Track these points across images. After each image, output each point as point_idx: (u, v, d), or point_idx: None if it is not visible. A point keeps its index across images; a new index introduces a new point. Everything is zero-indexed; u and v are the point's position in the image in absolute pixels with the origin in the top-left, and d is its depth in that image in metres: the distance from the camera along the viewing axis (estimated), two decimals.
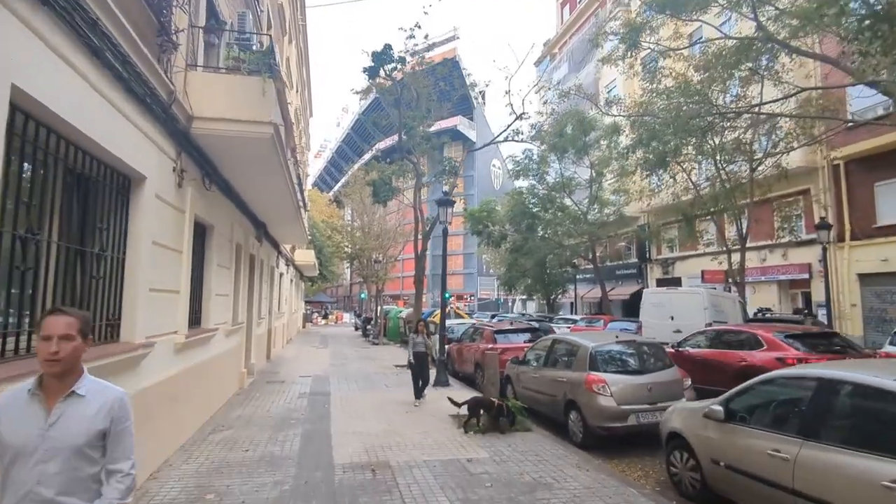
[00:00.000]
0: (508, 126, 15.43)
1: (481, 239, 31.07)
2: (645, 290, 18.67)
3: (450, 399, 8.60)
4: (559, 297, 33.34)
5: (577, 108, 24.32)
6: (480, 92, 20.30)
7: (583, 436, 7.36)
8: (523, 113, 15.55)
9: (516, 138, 15.94)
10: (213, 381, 8.73)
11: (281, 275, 20.84)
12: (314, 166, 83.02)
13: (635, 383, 7.34)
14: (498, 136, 15.69)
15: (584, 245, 26.25)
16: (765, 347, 9.11)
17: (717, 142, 16.60)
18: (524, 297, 40.79)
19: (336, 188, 69.63)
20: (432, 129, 16.04)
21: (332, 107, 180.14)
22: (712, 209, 17.35)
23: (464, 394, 11.06)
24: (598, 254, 27.17)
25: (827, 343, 9.35)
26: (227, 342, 9.80)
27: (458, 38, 67.81)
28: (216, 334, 8.54)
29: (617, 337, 8.31)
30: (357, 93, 19.71)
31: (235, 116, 6.48)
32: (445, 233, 12.90)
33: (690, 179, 18.43)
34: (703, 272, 21.96)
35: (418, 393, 9.93)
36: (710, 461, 5.03)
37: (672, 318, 14.76)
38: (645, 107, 16.76)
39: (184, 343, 6.49)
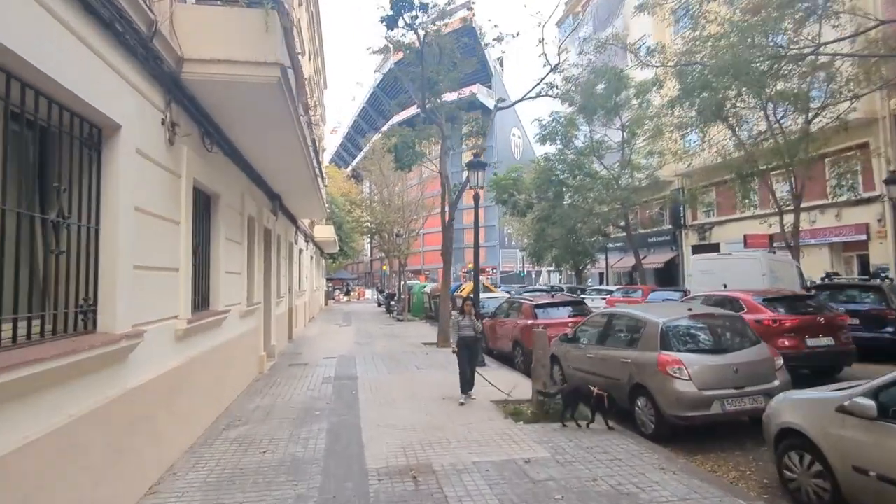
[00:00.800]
0: (542, 79, 14.00)
1: (507, 208, 29.66)
2: (693, 257, 17.34)
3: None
4: (588, 267, 31.97)
5: (608, 64, 22.62)
6: (498, 59, 18.81)
7: (655, 426, 6.26)
8: (557, 64, 14.07)
9: (550, 93, 14.50)
10: (228, 368, 7.82)
11: (300, 251, 19.95)
12: (331, 142, 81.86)
13: (718, 364, 6.18)
14: (531, 90, 14.26)
15: (615, 211, 24.76)
16: (745, 310, 9.33)
17: (770, 91, 14.98)
18: (551, 268, 39.45)
19: (354, 163, 68.42)
20: (451, 98, 14.72)
21: (345, 86, 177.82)
22: (767, 165, 15.77)
23: (502, 374, 10.07)
24: (630, 220, 25.68)
25: (802, 304, 9.63)
26: (243, 324, 8.88)
27: (474, 2, 65.18)
28: (228, 316, 7.59)
29: (690, 310, 7.13)
30: (375, 52, 18.21)
31: (234, 57, 5.32)
32: (477, 199, 11.71)
33: (738, 136, 16.85)
34: (745, 236, 20.42)
35: (466, 386, 8.07)
36: (850, 469, 3.90)
37: (725, 287, 13.43)
38: (690, 56, 15.21)
39: (186, 329, 5.52)
